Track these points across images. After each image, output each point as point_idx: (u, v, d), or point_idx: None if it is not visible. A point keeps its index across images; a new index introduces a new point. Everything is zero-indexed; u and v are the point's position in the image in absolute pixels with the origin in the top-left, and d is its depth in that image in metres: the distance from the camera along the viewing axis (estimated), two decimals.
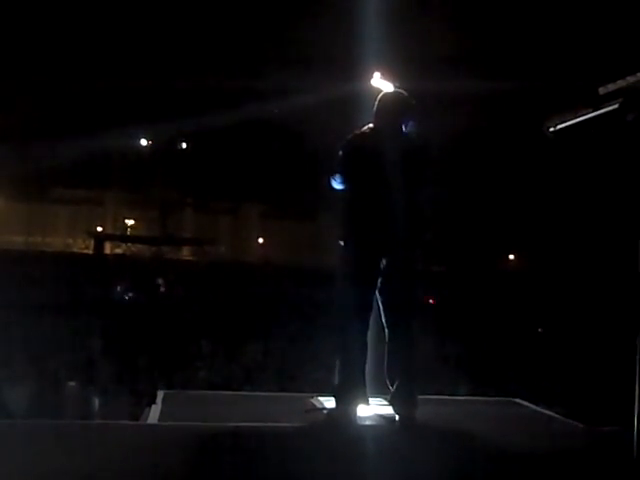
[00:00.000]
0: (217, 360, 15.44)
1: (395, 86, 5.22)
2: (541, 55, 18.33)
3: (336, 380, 5.00)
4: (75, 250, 31.34)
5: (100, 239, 30.79)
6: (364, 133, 5.11)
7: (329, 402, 5.16)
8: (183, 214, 32.09)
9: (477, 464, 4.05)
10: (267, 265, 27.50)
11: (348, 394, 4.92)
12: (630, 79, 3.45)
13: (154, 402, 5.52)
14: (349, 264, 5.08)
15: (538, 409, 5.97)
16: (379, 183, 4.92)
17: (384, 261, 4.99)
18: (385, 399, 5.10)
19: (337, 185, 5.16)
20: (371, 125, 5.12)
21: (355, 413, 4.94)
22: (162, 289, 25.72)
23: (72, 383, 13.02)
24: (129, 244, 30.81)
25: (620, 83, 3.48)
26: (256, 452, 4.11)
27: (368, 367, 4.99)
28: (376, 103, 5.14)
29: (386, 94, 5.17)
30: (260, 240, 34.27)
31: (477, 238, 25.45)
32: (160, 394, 5.76)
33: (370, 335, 5.01)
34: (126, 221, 32.16)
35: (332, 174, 5.13)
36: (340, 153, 5.12)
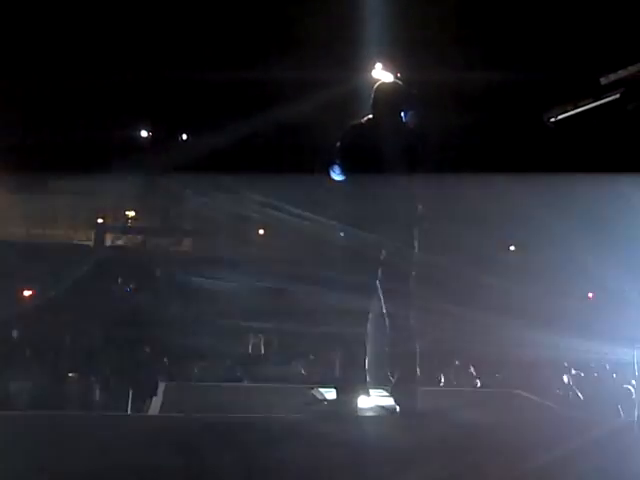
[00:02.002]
0: (218, 352, 15.47)
1: (396, 77, 5.21)
2: (542, 45, 18.25)
3: (337, 371, 5.00)
4: (76, 242, 31.31)
5: (101, 230, 30.75)
6: (362, 124, 5.10)
7: (330, 393, 5.16)
8: (184, 206, 32.02)
9: (478, 455, 4.05)
10: None
11: (349, 385, 4.92)
12: (631, 69, 3.44)
13: (155, 393, 5.54)
14: (349, 255, 5.08)
15: (539, 400, 5.98)
16: (377, 173, 4.90)
17: (384, 252, 4.98)
18: (386, 390, 5.11)
19: (336, 176, 5.15)
20: (370, 116, 5.11)
21: (356, 404, 4.94)
22: (162, 281, 25.74)
23: (74, 374, 13.06)
24: (129, 235, 30.77)
25: (621, 73, 3.47)
26: (257, 443, 4.11)
27: (369, 358, 4.99)
28: (372, 94, 5.13)
29: (382, 84, 5.15)
30: (261, 232, 34.23)
31: (477, 229, 25.42)
32: (161, 385, 5.77)
33: (370, 326, 5.01)
34: (127, 212, 32.07)
35: (331, 165, 5.12)
36: (338, 144, 5.11)
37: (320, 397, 5.26)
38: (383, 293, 5.01)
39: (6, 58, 20.80)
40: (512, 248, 30.86)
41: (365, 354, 4.97)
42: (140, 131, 28.92)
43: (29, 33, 21.18)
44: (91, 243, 30.60)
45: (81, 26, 21.40)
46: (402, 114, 5.09)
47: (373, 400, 5.08)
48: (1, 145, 23.49)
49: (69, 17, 21.12)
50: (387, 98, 5.07)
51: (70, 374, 12.92)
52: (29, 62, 21.73)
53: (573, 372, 13.78)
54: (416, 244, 5.08)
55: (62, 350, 14.32)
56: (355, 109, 5.27)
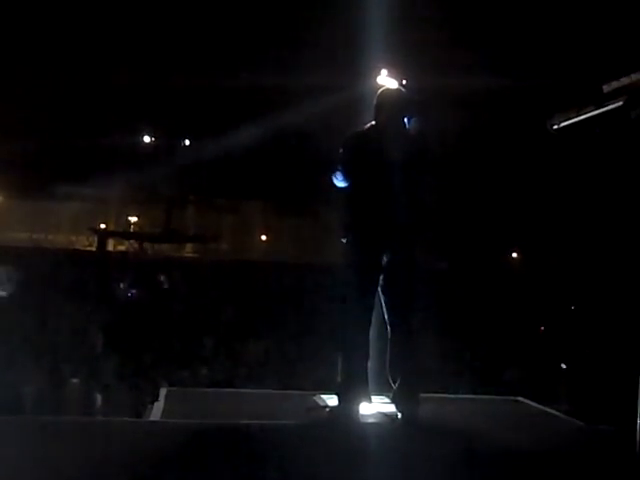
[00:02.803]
0: (219, 357, 15.46)
1: (401, 84, 5.21)
2: (545, 52, 18.27)
3: (338, 378, 5.00)
4: (78, 247, 31.37)
5: (103, 236, 30.76)
6: (364, 130, 5.11)
7: (331, 400, 5.15)
8: (186, 211, 32.06)
9: (479, 462, 4.04)
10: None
11: (350, 392, 4.92)
12: (634, 77, 3.43)
13: (157, 399, 5.53)
14: (351, 260, 5.07)
15: (540, 407, 5.97)
16: (380, 179, 4.91)
17: (385, 258, 4.98)
18: (387, 397, 5.10)
19: (339, 182, 5.15)
20: (373, 122, 5.11)
21: (357, 411, 4.93)
22: (165, 286, 25.73)
23: (75, 380, 13.04)
24: (132, 241, 30.78)
25: (624, 81, 3.46)
26: (258, 450, 4.11)
27: (370, 365, 4.98)
28: (375, 100, 5.13)
29: (385, 91, 5.16)
30: (263, 237, 34.25)
31: (480, 235, 25.42)
32: (163, 391, 5.76)
33: (372, 333, 5.00)
34: (129, 218, 32.10)
35: (333, 172, 5.12)
36: (340, 151, 5.11)
37: (322, 403, 5.26)
38: (385, 298, 5.01)
39: (10, 63, 20.85)
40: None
41: (367, 361, 4.96)
42: (143, 137, 28.97)
43: (32, 38, 21.23)
44: (93, 249, 30.62)
45: (84, 32, 21.45)
46: (405, 120, 5.09)
47: (375, 407, 5.08)
48: (5, 151, 23.53)
49: (73, 23, 21.17)
50: (390, 104, 5.08)
51: (73, 380, 12.90)
52: (32, 67, 21.78)
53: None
54: (417, 250, 5.08)
55: (64, 355, 14.29)
56: (360, 116, 5.28)
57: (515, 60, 18.42)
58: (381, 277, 4.99)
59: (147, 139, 29.05)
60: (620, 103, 3.43)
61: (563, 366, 14.15)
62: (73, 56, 21.94)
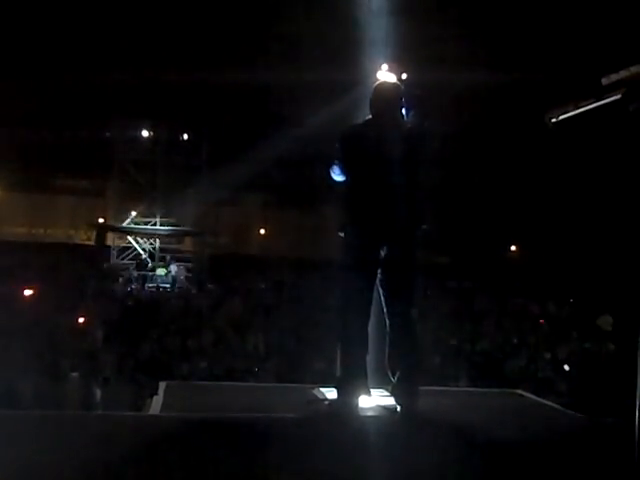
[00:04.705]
0: (218, 351, 15.48)
1: (401, 79, 5.20)
2: (543, 45, 18.25)
3: (337, 371, 5.00)
4: (77, 241, 31.36)
5: (102, 230, 30.70)
6: (361, 124, 5.11)
7: (330, 393, 5.16)
8: (185, 205, 32.01)
9: (478, 455, 4.05)
10: None
11: (349, 385, 4.92)
12: (633, 69, 3.43)
13: (156, 393, 5.54)
14: (349, 254, 5.07)
15: (539, 400, 5.98)
16: (377, 173, 4.90)
17: (384, 252, 4.97)
18: (386, 390, 5.11)
19: (336, 176, 5.15)
20: (370, 116, 5.11)
21: (356, 404, 4.94)
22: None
23: (74, 374, 13.07)
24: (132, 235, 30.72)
25: (623, 73, 3.46)
26: (257, 443, 4.11)
27: (369, 358, 4.99)
28: (371, 93, 5.13)
29: (381, 84, 5.15)
30: (262, 231, 34.24)
31: (479, 229, 25.45)
32: (162, 385, 5.77)
33: (371, 326, 5.01)
34: (128, 212, 32.02)
35: (330, 165, 5.12)
36: (337, 145, 5.10)
37: (321, 396, 5.26)
38: (384, 292, 5.01)
39: (8, 58, 20.81)
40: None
41: (366, 354, 4.97)
42: (141, 131, 28.92)
43: (30, 33, 21.18)
44: (92, 243, 30.60)
45: (82, 26, 21.41)
46: (402, 113, 5.09)
47: (374, 400, 5.09)
48: (4, 144, 23.51)
49: (71, 17, 21.13)
50: (385, 98, 5.07)
51: (73, 374, 12.93)
52: (30, 62, 21.74)
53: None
54: (416, 244, 5.08)
55: (63, 350, 14.31)
56: (359, 110, 5.27)
57: (513, 54, 18.40)
58: (380, 271, 4.99)
59: (145, 133, 29.00)
60: (619, 96, 3.42)
61: (566, 368, 14.09)
62: (72, 49, 21.89)
